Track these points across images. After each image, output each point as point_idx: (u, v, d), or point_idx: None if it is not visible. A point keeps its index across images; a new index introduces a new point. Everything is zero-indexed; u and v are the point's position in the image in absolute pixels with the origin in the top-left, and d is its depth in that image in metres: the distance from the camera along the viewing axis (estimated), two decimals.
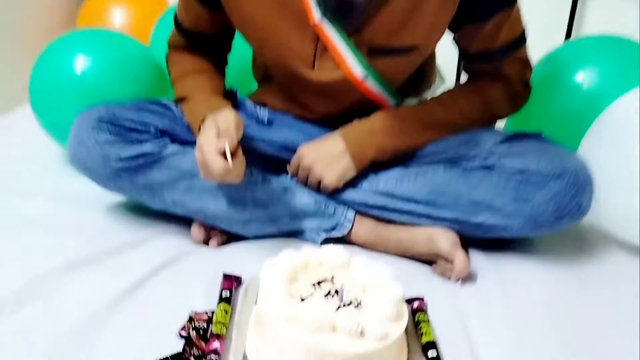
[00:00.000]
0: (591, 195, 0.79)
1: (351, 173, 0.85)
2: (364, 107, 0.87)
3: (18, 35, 1.39)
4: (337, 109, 0.88)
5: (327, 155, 0.84)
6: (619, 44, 1.08)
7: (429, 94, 0.98)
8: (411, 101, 0.91)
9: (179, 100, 0.87)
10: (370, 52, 0.81)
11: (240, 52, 0.97)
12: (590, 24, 1.36)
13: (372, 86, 0.85)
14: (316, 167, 0.84)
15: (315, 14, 0.78)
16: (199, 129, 0.78)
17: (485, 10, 0.80)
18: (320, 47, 0.81)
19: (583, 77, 1.03)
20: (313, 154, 0.84)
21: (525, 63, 0.89)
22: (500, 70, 0.87)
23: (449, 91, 0.90)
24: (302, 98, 0.89)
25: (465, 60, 0.91)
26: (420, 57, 0.86)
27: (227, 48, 0.95)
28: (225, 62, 0.96)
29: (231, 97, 0.91)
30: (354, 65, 0.82)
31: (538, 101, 1.03)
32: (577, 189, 0.77)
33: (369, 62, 0.82)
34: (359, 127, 0.85)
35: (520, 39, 0.86)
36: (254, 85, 1.01)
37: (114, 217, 0.90)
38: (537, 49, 1.07)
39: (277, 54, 0.84)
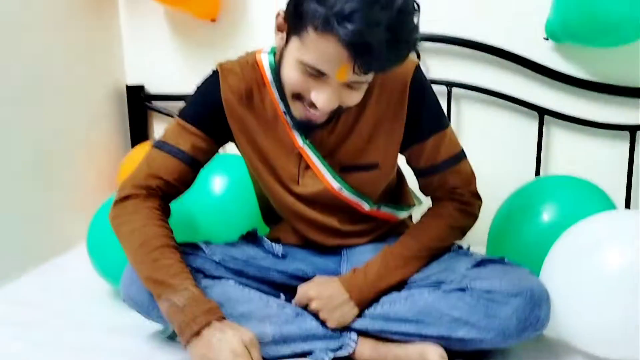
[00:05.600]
0: (548, 310, 0.93)
1: (353, 314, 1.00)
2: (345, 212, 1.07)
3: (78, 186, 1.65)
4: (328, 224, 1.08)
5: (332, 303, 0.98)
6: (578, 183, 1.29)
7: (412, 212, 1.21)
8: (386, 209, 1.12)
9: (149, 279, 0.92)
10: (342, 170, 1.04)
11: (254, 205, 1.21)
12: (557, 165, 1.60)
13: (347, 195, 1.05)
14: (322, 312, 0.98)
15: (299, 140, 1.01)
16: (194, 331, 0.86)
17: (425, 132, 1.03)
18: (302, 166, 1.03)
19: (547, 210, 1.22)
20: (319, 302, 0.98)
21: (469, 175, 1.08)
22: (448, 183, 1.06)
23: (417, 223, 1.09)
24: (303, 231, 1.10)
25: (417, 175, 1.10)
26: (383, 174, 1.06)
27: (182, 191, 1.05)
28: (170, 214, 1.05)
29: (253, 237, 1.13)
30: (330, 179, 1.04)
31: (510, 228, 1.24)
32: (534, 304, 0.91)
33: (341, 177, 1.04)
34: (357, 276, 1.02)
35: (459, 155, 1.07)
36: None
37: (157, 344, 1.05)
38: (511, 183, 1.35)
39: (271, 172, 1.05)
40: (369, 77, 0.88)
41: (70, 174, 1.62)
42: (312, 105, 0.89)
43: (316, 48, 0.82)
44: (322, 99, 0.87)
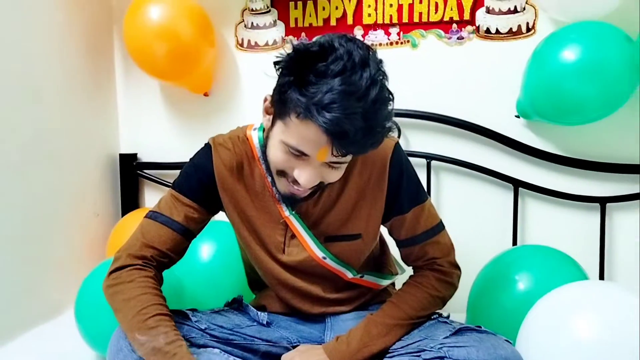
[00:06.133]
0: None
1: None
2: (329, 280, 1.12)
3: (68, 253, 1.68)
4: (313, 292, 1.12)
5: None
6: (551, 253, 1.35)
7: (395, 280, 1.24)
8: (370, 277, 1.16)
9: (144, 346, 0.93)
10: (326, 239, 1.10)
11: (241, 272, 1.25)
12: (533, 234, 1.67)
13: (331, 263, 1.10)
14: None
15: (285, 211, 1.07)
16: None
17: (404, 206, 1.09)
18: (288, 235, 1.09)
19: (522, 279, 1.27)
20: None
21: (448, 247, 1.13)
22: (427, 254, 1.11)
23: (399, 292, 1.13)
24: (288, 299, 1.14)
25: (398, 246, 1.15)
26: (365, 244, 1.12)
27: (176, 260, 1.09)
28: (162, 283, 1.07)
29: (239, 304, 1.16)
30: (314, 248, 1.09)
31: (488, 296, 1.28)
32: None
33: (325, 247, 1.10)
34: (340, 344, 1.05)
35: (438, 227, 1.12)
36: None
37: None
38: (489, 252, 1.40)
39: (258, 241, 1.10)
40: (348, 158, 0.95)
41: (61, 240, 1.66)
42: (295, 181, 0.96)
43: (298, 132, 0.90)
44: (304, 177, 0.94)
